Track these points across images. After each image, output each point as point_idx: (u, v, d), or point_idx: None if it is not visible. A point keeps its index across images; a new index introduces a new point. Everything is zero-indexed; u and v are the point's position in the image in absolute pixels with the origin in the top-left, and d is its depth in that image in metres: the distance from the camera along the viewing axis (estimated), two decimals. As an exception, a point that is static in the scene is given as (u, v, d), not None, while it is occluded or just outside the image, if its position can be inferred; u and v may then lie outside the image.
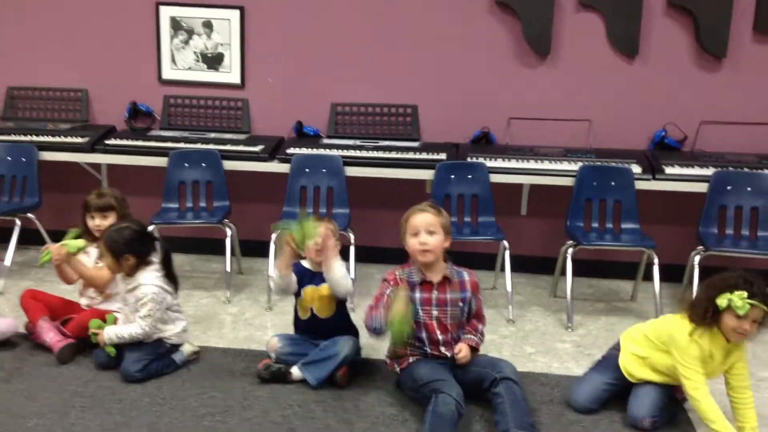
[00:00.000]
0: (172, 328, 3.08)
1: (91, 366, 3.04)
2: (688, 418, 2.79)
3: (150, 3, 4.42)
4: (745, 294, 2.46)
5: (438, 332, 2.82)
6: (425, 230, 2.81)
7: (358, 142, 4.22)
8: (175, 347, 3.08)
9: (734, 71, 4.10)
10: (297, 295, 3.09)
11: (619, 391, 2.82)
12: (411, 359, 2.85)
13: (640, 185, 3.85)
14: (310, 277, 3.07)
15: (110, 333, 2.98)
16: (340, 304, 3.07)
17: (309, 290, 3.06)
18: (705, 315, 2.55)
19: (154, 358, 2.98)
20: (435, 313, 2.82)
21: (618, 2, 4.09)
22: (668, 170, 3.85)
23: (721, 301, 2.50)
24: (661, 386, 2.76)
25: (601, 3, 4.12)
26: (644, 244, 3.69)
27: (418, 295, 2.83)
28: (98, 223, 3.25)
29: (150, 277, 3.03)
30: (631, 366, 2.80)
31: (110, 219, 3.26)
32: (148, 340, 3.01)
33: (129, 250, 2.99)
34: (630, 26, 4.11)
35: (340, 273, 2.93)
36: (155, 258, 3.09)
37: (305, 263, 3.13)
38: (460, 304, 2.85)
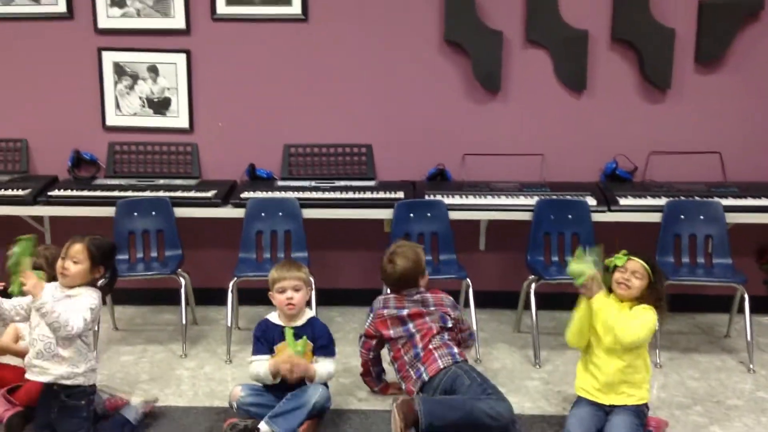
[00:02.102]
0: (79, 364, 2.78)
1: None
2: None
3: (92, 49, 4.28)
4: (624, 251, 2.92)
5: None
6: None
7: (313, 183, 4.16)
8: (92, 394, 2.81)
9: (679, 102, 4.22)
10: (270, 351, 2.98)
11: (604, 421, 2.81)
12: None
13: (596, 217, 3.90)
14: (282, 332, 2.97)
15: (39, 300, 2.60)
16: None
17: (284, 346, 2.95)
18: (602, 280, 2.89)
19: (86, 420, 2.75)
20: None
21: (564, 38, 4.17)
22: (622, 201, 3.91)
23: (608, 262, 2.93)
24: (632, 416, 2.76)
25: (548, 40, 4.20)
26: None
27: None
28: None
29: (90, 291, 2.81)
30: (579, 380, 2.92)
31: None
32: (67, 333, 2.67)
33: (105, 262, 2.85)
34: (576, 61, 4.20)
35: (325, 376, 2.98)
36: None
37: (274, 318, 3.03)
38: None
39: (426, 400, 2.70)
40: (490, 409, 2.67)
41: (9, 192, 3.98)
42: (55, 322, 2.63)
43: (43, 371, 2.74)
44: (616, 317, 2.78)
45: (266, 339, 3.00)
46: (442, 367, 2.92)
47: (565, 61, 4.21)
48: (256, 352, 2.99)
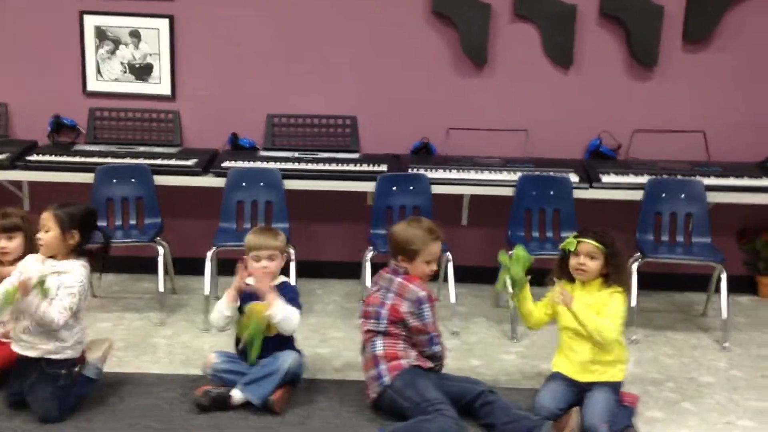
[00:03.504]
0: (67, 339, 2.76)
1: (3, 407, 2.79)
2: (634, 424, 2.82)
3: (73, 12, 4.21)
4: (574, 234, 2.91)
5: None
6: (435, 259, 2.91)
7: (296, 155, 4.12)
8: (73, 364, 2.79)
9: (665, 80, 4.20)
10: (240, 311, 2.97)
11: (577, 396, 2.82)
12: (405, 363, 2.79)
13: (578, 194, 3.89)
14: (251, 293, 2.94)
15: (32, 298, 2.60)
16: (283, 340, 2.98)
17: (252, 306, 2.94)
18: (560, 267, 2.95)
19: (62, 389, 2.73)
20: None
21: (552, 13, 4.13)
22: (604, 179, 3.90)
23: (563, 246, 2.93)
24: (609, 393, 2.79)
25: (536, 14, 4.16)
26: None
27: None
28: (3, 245, 3.02)
29: (78, 267, 2.78)
30: (556, 358, 2.93)
31: (16, 240, 3.04)
32: (50, 328, 2.69)
33: (77, 226, 2.78)
34: (564, 37, 4.16)
35: (280, 318, 2.87)
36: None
37: (248, 279, 3.02)
38: None
39: None
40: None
41: (-13, 156, 3.94)
42: (39, 320, 2.66)
43: (30, 346, 2.74)
44: (591, 322, 2.77)
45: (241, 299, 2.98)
46: (374, 396, 2.81)
47: (552, 36, 4.17)
48: None
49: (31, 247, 3.03)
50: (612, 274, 2.85)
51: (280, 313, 2.86)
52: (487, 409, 2.76)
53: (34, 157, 3.96)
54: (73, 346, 2.79)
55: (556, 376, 2.90)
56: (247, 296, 2.97)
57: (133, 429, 2.68)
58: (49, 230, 2.76)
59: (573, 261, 2.88)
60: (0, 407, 2.79)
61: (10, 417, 2.73)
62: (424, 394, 2.71)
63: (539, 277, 4.15)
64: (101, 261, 2.93)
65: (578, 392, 2.83)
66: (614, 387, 2.83)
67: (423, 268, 2.88)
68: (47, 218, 2.77)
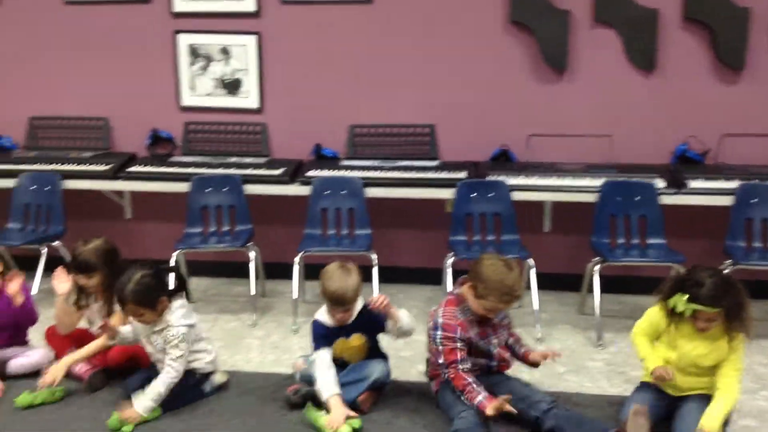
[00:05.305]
0: (203, 357, 3.04)
1: (122, 395, 2.99)
2: (726, 434, 2.76)
3: (168, 31, 4.46)
4: (685, 297, 2.62)
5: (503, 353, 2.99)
6: (494, 313, 2.89)
7: (377, 163, 4.23)
8: (205, 377, 3.04)
9: (753, 83, 4.08)
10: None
11: (666, 410, 2.77)
12: (442, 378, 2.93)
13: (665, 200, 3.83)
14: (336, 332, 3.02)
15: (146, 402, 2.84)
16: (372, 349, 3.07)
17: (339, 343, 3.02)
18: (669, 313, 2.72)
19: (181, 390, 2.93)
20: (495, 341, 2.95)
21: (633, 18, 4.09)
22: (692, 184, 3.82)
23: (671, 303, 2.68)
24: (703, 404, 2.71)
25: (616, 19, 4.13)
26: (672, 259, 3.66)
27: (477, 330, 2.90)
28: (84, 282, 3.12)
29: (177, 316, 2.95)
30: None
31: (94, 280, 3.11)
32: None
33: (159, 293, 2.91)
34: (646, 41, 4.11)
35: (405, 323, 2.99)
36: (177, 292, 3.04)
37: (325, 320, 3.05)
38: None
39: None
40: None
41: (92, 167, 4.22)
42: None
43: None
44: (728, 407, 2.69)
45: (325, 341, 3.03)
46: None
47: (634, 41, 4.13)
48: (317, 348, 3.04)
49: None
50: (736, 324, 2.67)
51: (404, 320, 2.99)
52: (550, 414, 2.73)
53: (134, 168, 4.22)
54: (206, 364, 3.05)
55: (645, 386, 2.84)
56: (333, 333, 3.03)
57: (230, 423, 2.83)
58: (142, 314, 2.90)
59: (695, 321, 2.68)
60: (114, 398, 3.00)
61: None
62: (450, 410, 2.83)
63: (628, 283, 4.15)
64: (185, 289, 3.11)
65: (668, 405, 2.76)
66: (710, 399, 2.75)
67: (478, 307, 2.83)
68: (132, 310, 2.89)
